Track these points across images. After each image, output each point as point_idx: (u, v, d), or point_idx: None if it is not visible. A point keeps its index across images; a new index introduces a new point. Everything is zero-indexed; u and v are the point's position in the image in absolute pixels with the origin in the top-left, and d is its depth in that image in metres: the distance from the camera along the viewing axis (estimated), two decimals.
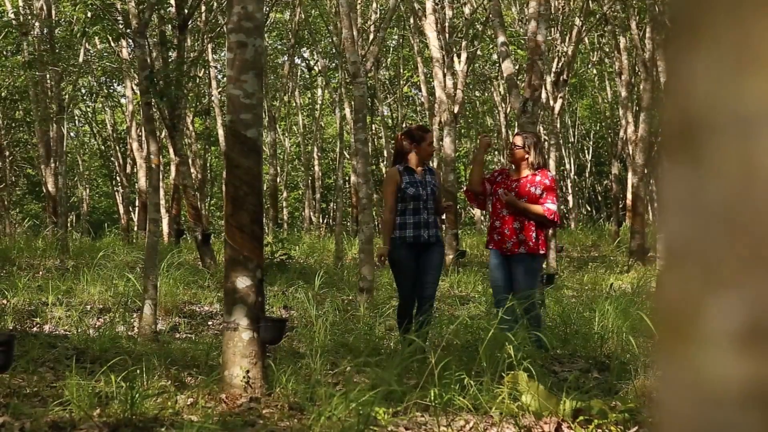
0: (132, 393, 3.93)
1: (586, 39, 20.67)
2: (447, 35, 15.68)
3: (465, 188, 6.51)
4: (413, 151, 5.99)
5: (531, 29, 8.84)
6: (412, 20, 19.50)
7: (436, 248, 6.01)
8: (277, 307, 8.36)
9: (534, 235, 5.91)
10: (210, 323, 7.65)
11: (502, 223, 6.00)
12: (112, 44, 20.22)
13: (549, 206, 5.91)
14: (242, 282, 4.53)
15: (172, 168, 15.95)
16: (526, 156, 6.03)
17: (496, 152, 30.44)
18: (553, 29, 17.50)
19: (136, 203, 22.53)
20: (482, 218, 30.24)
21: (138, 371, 4.43)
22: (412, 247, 5.91)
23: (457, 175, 22.39)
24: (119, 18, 10.65)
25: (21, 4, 17.06)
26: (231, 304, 4.55)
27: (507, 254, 5.95)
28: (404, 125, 27.46)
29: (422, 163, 6.07)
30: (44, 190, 17.00)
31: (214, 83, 20.71)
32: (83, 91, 26.52)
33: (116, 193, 29.10)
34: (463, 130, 27.87)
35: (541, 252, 5.97)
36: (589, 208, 34.01)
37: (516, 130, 7.64)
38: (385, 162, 27.62)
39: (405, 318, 5.85)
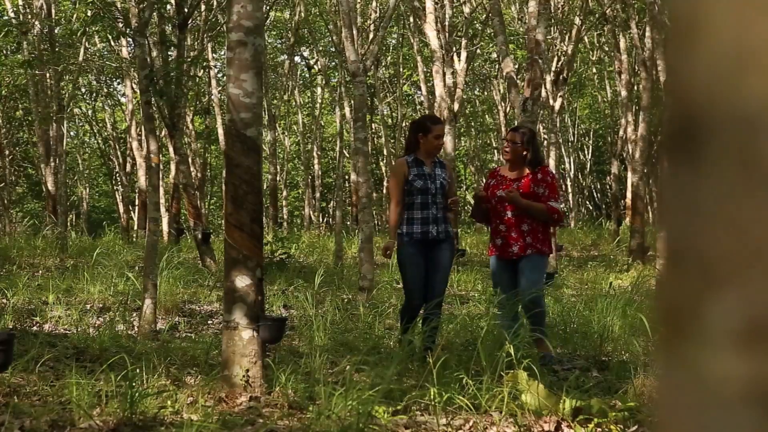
0: (132, 392, 3.93)
1: (585, 38, 20.66)
2: (447, 34, 15.68)
3: (471, 215, 6.24)
4: (420, 141, 5.62)
5: (530, 28, 8.84)
6: (411, 19, 19.49)
7: (446, 246, 5.61)
8: (276, 306, 8.35)
9: (541, 236, 5.67)
10: (210, 322, 7.65)
11: (507, 226, 5.68)
12: (112, 43, 20.22)
13: (553, 204, 5.64)
14: (242, 281, 4.53)
15: (172, 167, 15.96)
16: (525, 153, 5.72)
17: (495, 151, 30.43)
18: (552, 28, 17.49)
19: (136, 202, 22.52)
20: None
21: (138, 370, 4.43)
22: (419, 243, 5.55)
23: (456, 173, 22.37)
24: (119, 17, 10.65)
25: (21, 3, 17.05)
26: (231, 303, 4.55)
27: (513, 258, 5.67)
28: (404, 124, 27.47)
29: (431, 156, 5.69)
30: (44, 189, 17.01)
31: (213, 82, 20.70)
32: (83, 90, 26.52)
33: (116, 192, 29.11)
34: (462, 129, 27.85)
35: (546, 251, 5.73)
36: (589, 207, 34.00)
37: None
38: (384, 161, 27.60)
39: (406, 318, 5.60)
